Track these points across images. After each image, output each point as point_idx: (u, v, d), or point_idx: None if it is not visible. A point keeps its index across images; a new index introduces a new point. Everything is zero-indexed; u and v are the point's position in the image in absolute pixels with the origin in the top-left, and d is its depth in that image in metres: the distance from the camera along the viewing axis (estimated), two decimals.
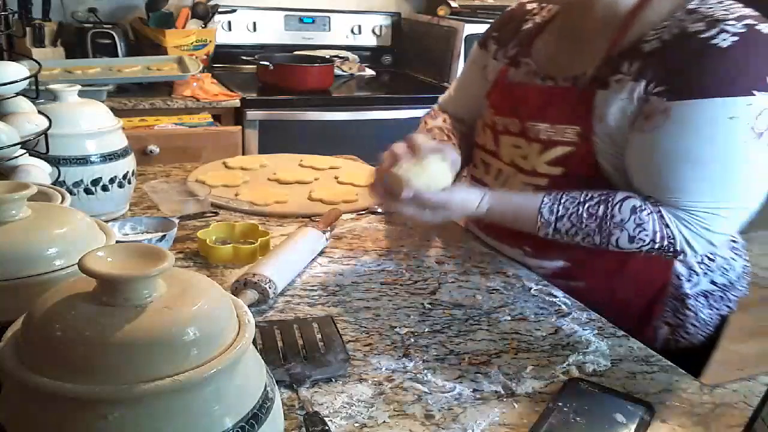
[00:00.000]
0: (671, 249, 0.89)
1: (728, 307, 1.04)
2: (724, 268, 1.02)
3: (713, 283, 1.01)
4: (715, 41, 0.82)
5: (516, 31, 1.11)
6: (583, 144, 0.92)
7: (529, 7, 1.14)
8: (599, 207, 0.89)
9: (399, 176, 0.91)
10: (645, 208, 0.88)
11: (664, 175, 0.87)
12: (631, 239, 0.89)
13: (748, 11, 0.85)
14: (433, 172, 0.93)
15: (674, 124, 0.84)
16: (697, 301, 1.01)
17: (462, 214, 0.99)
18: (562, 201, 0.91)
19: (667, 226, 0.87)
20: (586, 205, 0.90)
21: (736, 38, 0.81)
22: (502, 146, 1.05)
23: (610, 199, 0.89)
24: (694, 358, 1.02)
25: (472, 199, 0.96)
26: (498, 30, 1.16)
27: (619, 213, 0.88)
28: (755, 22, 0.83)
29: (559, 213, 0.91)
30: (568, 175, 0.94)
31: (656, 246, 0.89)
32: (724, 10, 0.84)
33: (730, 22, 0.82)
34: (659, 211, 0.88)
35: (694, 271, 0.99)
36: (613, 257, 0.97)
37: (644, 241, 0.88)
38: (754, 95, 0.81)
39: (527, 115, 0.99)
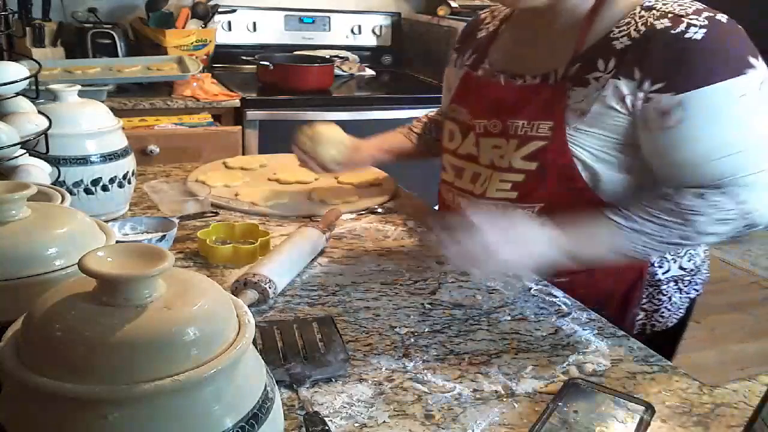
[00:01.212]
0: (755, 222, 0.87)
1: (695, 290, 1.10)
2: (691, 254, 1.07)
3: (682, 268, 1.06)
4: (688, 35, 0.86)
5: (472, 40, 1.16)
6: (557, 137, 0.95)
7: (482, 16, 1.20)
8: (659, 201, 0.88)
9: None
10: (704, 192, 0.87)
11: (704, 163, 0.87)
12: (713, 221, 0.86)
13: (699, 4, 0.90)
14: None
15: (694, 114, 0.86)
16: (668, 286, 1.06)
17: (530, 243, 0.89)
18: (621, 209, 0.89)
19: (743, 202, 0.86)
20: (646, 207, 0.88)
21: (705, 30, 0.85)
22: (482, 149, 1.04)
23: (664, 195, 0.88)
24: (666, 339, 1.10)
25: (539, 233, 0.89)
26: (460, 43, 1.21)
27: (685, 200, 0.87)
28: (713, 14, 0.88)
29: (631, 215, 0.88)
30: (542, 167, 0.96)
31: (744, 223, 0.87)
32: (679, 5, 0.89)
33: (692, 17, 0.87)
34: (718, 187, 0.87)
35: (665, 258, 1.04)
36: None
37: (728, 219, 0.86)
38: (746, 74, 0.85)
39: (506, 113, 1.01)
